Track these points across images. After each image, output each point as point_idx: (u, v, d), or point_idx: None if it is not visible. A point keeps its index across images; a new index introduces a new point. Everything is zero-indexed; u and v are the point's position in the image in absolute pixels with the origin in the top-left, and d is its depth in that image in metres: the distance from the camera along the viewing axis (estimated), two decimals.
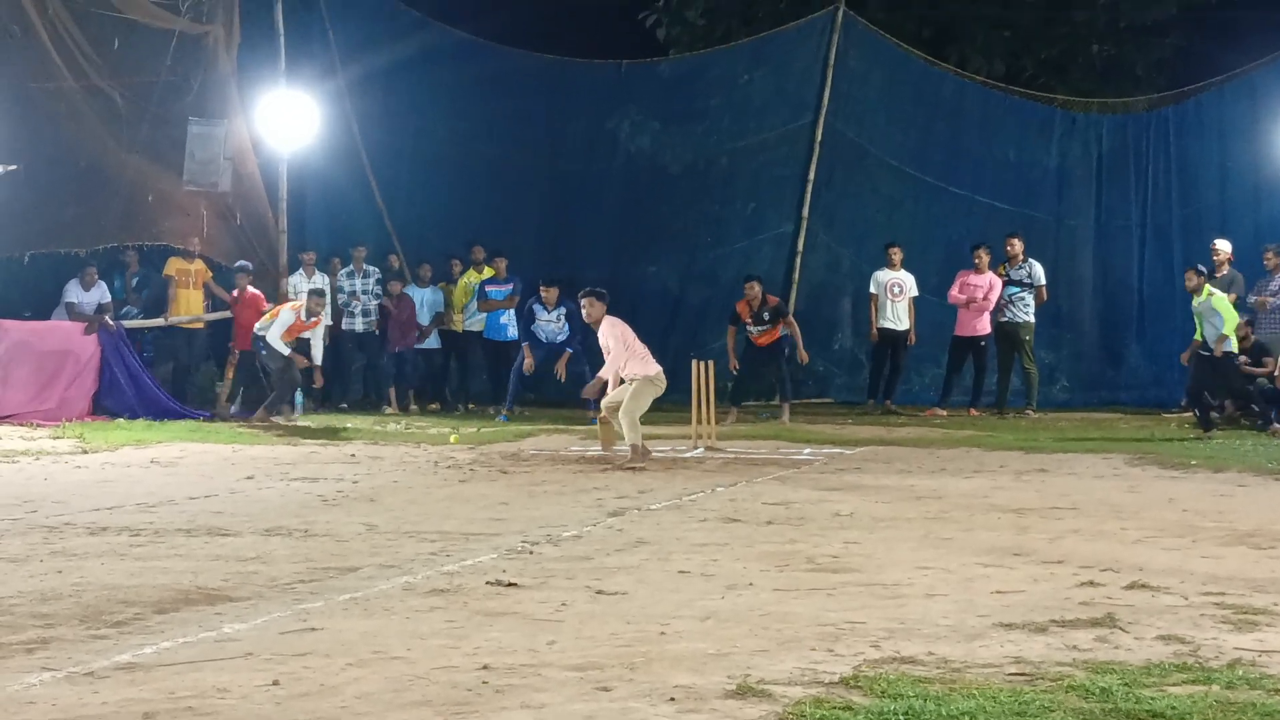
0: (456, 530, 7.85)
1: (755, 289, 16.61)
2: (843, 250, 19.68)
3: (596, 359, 13.43)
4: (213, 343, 18.18)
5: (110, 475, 10.90)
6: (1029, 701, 4.20)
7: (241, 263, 17.06)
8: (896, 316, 17.65)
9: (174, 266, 17.47)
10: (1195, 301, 14.93)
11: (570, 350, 16.41)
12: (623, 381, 12.53)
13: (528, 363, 16.59)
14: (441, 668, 4.64)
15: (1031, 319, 17.23)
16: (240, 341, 16.93)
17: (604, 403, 12.66)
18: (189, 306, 17.49)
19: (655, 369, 12.55)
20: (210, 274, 17.77)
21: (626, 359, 12.54)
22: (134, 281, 17.94)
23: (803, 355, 16.59)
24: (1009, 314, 17.17)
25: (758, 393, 17.77)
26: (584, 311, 12.91)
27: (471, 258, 18.47)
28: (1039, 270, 17.32)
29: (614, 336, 12.62)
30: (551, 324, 16.69)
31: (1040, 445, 13.35)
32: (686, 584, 6.25)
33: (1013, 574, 6.48)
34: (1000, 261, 17.35)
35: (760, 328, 16.50)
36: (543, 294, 16.76)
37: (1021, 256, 17.30)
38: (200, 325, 17.84)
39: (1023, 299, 17.17)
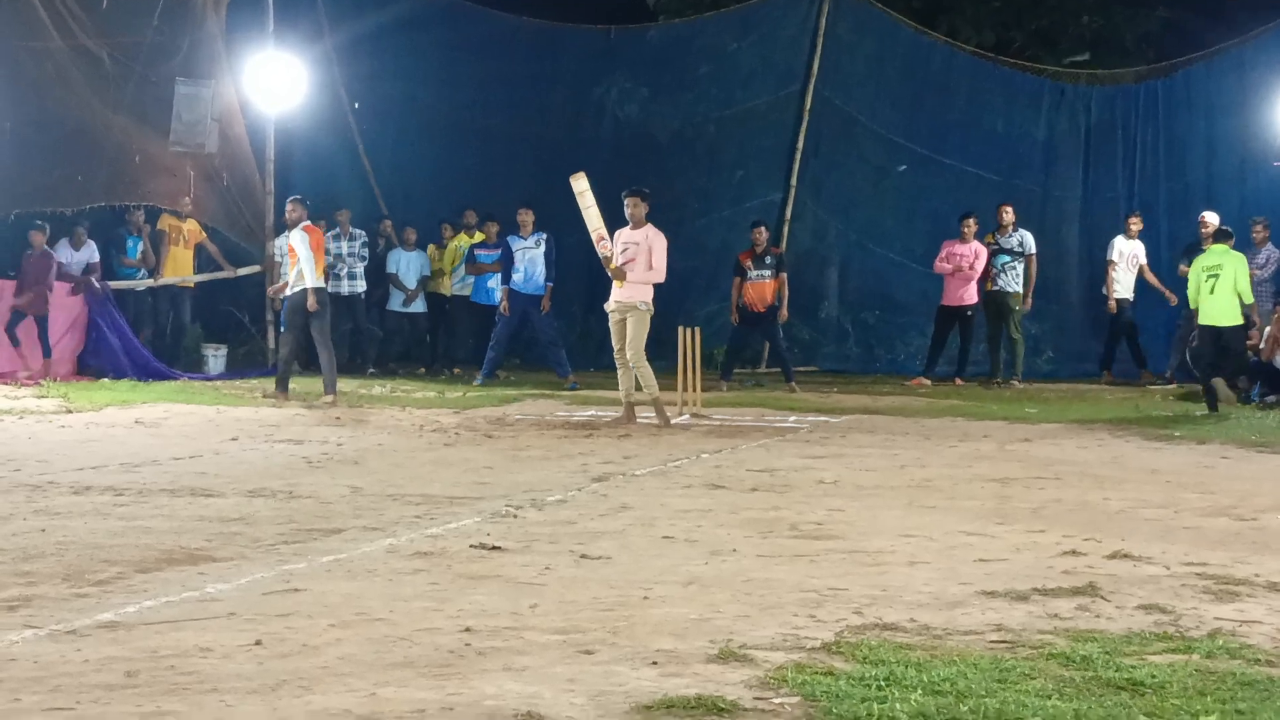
0: (440, 493, 7.85)
1: (763, 234, 16.52)
2: (830, 219, 19.65)
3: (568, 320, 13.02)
4: (197, 304, 18.11)
5: (94, 435, 10.89)
6: (1010, 669, 4.22)
7: None
8: (1127, 286, 17.50)
9: (166, 221, 17.42)
10: (1219, 261, 13.41)
11: (551, 283, 16.41)
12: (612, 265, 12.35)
13: (503, 305, 16.49)
14: (424, 630, 4.65)
15: (1021, 289, 17.18)
16: None
17: (614, 349, 12.47)
18: (177, 266, 17.45)
19: (650, 296, 12.40)
20: (204, 234, 17.74)
21: (642, 271, 12.29)
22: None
23: (783, 314, 16.55)
24: (999, 283, 17.12)
25: (743, 361, 17.78)
26: (627, 210, 12.54)
27: (463, 221, 18.41)
28: (1030, 239, 17.27)
29: (651, 248, 12.32)
30: (530, 249, 16.43)
31: (1024, 416, 13.38)
32: (670, 549, 6.26)
33: (995, 543, 6.50)
34: (990, 230, 17.31)
35: (760, 272, 16.36)
36: (520, 216, 16.59)
37: (1012, 226, 17.25)
38: (189, 285, 17.78)
39: (1013, 268, 17.12)
